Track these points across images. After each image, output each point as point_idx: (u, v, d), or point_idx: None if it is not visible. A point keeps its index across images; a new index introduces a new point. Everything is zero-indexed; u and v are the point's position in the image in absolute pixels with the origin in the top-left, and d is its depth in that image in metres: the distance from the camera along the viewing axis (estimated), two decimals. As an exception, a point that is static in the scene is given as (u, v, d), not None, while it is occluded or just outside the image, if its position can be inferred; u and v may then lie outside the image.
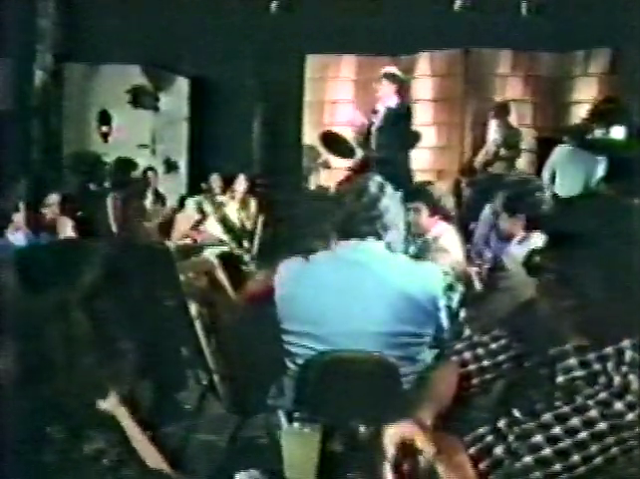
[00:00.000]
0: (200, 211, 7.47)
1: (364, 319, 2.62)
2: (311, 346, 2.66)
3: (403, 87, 7.41)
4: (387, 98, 7.06)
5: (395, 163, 6.98)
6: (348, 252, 2.72)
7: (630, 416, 1.45)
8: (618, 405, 1.45)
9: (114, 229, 5.92)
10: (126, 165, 6.84)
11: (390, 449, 1.45)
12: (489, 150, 8.16)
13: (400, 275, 2.69)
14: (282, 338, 2.74)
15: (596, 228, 1.58)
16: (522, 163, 9.08)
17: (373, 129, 7.07)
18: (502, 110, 8.29)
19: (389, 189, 2.79)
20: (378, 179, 2.82)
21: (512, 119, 8.50)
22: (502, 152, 8.11)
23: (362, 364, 2.66)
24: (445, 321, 2.76)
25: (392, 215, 2.75)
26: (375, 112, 7.13)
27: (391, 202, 2.76)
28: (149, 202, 7.70)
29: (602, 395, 1.47)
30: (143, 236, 6.03)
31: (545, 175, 7.81)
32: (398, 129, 7.04)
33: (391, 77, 7.11)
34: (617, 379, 1.48)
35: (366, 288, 2.65)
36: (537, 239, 3.51)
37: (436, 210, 4.00)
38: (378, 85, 7.10)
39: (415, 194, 4.03)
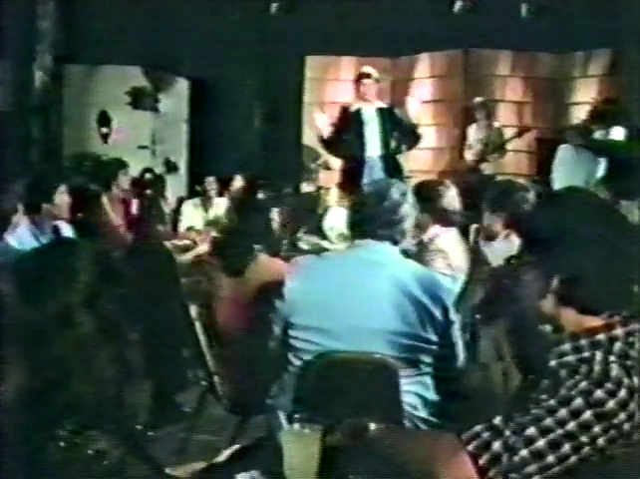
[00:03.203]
0: (199, 211, 7.50)
1: (369, 316, 2.64)
2: (316, 341, 2.68)
3: (381, 87, 7.29)
4: (373, 98, 6.93)
5: (388, 163, 6.91)
6: (362, 251, 2.75)
7: (611, 404, 1.46)
8: (598, 393, 1.47)
9: (106, 229, 5.88)
10: (114, 165, 6.75)
11: None
12: (476, 149, 8.11)
13: (412, 279, 2.70)
14: (288, 333, 2.75)
15: (576, 221, 1.62)
16: (523, 163, 9.10)
17: (365, 130, 6.92)
18: (482, 110, 8.18)
19: (410, 196, 2.82)
20: (401, 185, 2.85)
21: (496, 118, 8.45)
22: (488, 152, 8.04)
23: (362, 365, 2.67)
24: (458, 338, 2.74)
25: (410, 222, 2.79)
26: (354, 114, 6.93)
27: (411, 209, 2.79)
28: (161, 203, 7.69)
29: (583, 384, 1.48)
30: (157, 238, 5.99)
31: (555, 175, 7.78)
32: (399, 128, 6.96)
33: (372, 77, 6.95)
34: (597, 368, 1.49)
35: (375, 286, 2.67)
36: (516, 238, 3.55)
37: (442, 216, 3.75)
38: (361, 86, 6.92)
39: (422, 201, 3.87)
